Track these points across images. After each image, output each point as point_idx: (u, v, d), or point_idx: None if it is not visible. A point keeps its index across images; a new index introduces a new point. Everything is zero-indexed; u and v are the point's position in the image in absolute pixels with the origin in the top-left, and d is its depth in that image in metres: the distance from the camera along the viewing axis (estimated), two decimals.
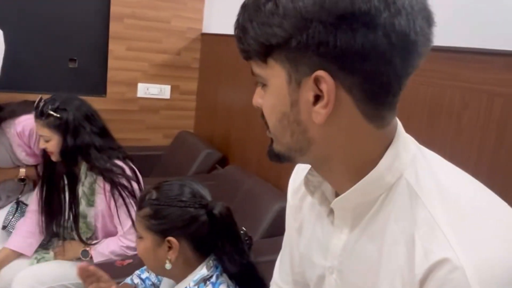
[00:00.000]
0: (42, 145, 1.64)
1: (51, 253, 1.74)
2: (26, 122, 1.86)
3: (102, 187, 1.66)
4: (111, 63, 2.93)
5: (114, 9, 2.87)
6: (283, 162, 0.63)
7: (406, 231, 0.56)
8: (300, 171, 0.77)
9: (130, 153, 2.79)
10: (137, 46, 2.99)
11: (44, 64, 2.79)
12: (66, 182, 1.71)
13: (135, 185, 1.69)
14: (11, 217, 1.90)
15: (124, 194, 1.64)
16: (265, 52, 0.56)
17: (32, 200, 1.83)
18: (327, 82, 0.53)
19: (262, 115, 0.62)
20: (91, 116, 1.67)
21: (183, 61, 3.14)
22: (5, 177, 2.02)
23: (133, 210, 1.65)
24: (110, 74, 2.95)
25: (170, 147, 2.94)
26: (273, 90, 0.58)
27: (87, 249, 1.69)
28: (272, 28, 0.53)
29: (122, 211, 1.66)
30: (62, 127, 1.59)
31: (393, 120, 0.60)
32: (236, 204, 1.95)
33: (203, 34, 3.13)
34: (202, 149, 2.63)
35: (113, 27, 2.89)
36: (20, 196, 2.00)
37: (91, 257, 1.67)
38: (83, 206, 1.70)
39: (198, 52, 3.16)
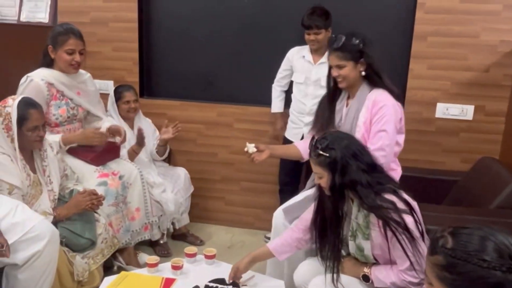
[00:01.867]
0: (317, 181, 1.72)
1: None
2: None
3: (375, 223, 1.63)
4: (410, 82, 2.90)
5: (418, 27, 2.83)
6: None
7: None
8: None
9: (422, 176, 2.76)
10: (438, 65, 2.85)
11: None
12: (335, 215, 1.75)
13: (408, 218, 1.58)
14: None
15: (397, 231, 1.56)
16: None
17: (303, 216, 1.95)
18: None
19: None
20: (358, 154, 1.66)
21: (491, 79, 2.80)
22: None
23: (408, 248, 1.56)
24: (408, 93, 2.92)
25: (469, 173, 2.65)
26: None
27: (367, 273, 1.70)
28: None
29: (397, 248, 1.59)
30: (331, 166, 1.64)
31: None
32: None
33: None
34: (509, 181, 2.26)
35: (416, 46, 2.85)
36: None
37: (372, 282, 1.68)
38: (359, 239, 1.71)
39: None
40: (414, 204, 1.64)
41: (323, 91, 2.78)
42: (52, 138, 2.36)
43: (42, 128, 2.08)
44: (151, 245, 2.90)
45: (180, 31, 3.22)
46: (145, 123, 2.99)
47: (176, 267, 2.00)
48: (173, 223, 2.96)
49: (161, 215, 2.80)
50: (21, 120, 1.99)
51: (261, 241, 3.03)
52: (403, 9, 2.90)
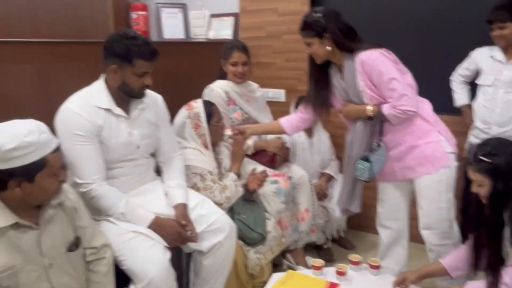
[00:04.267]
0: (475, 189, 1.65)
1: None
2: None
3: None
4: None
5: None
6: None
7: None
8: None
9: None
10: None
11: None
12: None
13: None
14: None
15: None
16: None
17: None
18: None
19: None
20: None
21: None
22: None
23: None
24: None
25: None
26: None
27: None
28: None
29: None
30: (493, 173, 1.57)
31: None
32: None
33: None
34: None
35: None
36: None
37: None
38: None
39: None
40: None
41: None
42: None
43: (223, 122, 2.48)
44: (315, 249, 2.98)
45: None
46: (323, 136, 3.08)
47: (340, 273, 2.03)
48: (338, 231, 3.00)
49: (327, 221, 2.87)
50: (209, 116, 2.38)
51: (425, 256, 2.82)
52: None
